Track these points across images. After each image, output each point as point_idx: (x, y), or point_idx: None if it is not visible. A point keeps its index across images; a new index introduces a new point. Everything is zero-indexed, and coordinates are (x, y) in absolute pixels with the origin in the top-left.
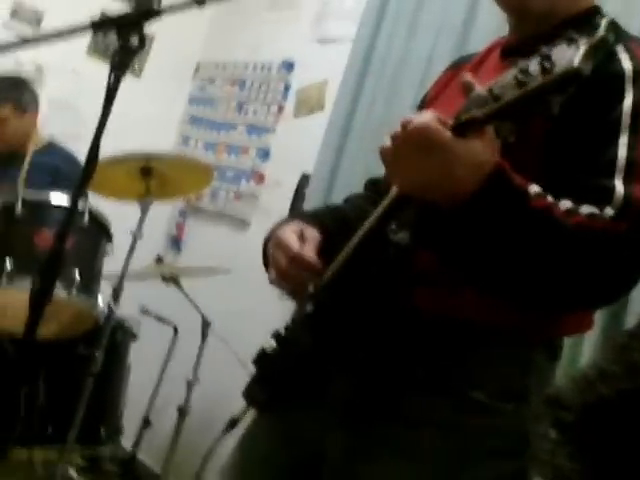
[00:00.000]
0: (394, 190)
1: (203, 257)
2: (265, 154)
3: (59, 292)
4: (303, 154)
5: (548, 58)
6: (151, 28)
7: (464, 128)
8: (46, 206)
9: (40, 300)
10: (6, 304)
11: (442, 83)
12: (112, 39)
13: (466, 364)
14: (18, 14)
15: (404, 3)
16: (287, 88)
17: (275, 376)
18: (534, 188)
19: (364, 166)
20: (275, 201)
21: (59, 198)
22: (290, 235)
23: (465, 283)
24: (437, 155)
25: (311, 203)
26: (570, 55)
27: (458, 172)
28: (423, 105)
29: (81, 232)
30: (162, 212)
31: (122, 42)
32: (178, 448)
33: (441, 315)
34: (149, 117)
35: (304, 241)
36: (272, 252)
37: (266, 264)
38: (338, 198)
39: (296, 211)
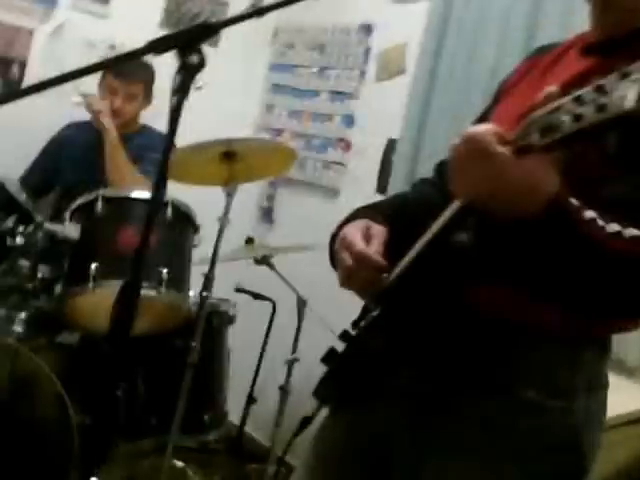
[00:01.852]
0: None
1: (295, 229)
2: (350, 120)
3: (148, 291)
4: (388, 119)
5: (602, 90)
6: None
7: (521, 151)
8: (127, 201)
9: (129, 304)
10: (97, 303)
11: (520, 72)
12: (185, 10)
13: (517, 363)
14: None
15: None
16: (367, 52)
17: (345, 376)
18: (589, 214)
19: (450, 126)
20: (363, 168)
21: (139, 192)
22: (355, 233)
23: (519, 285)
24: (487, 166)
25: (398, 169)
26: (624, 92)
27: (510, 188)
28: (499, 93)
29: (165, 226)
30: (253, 185)
31: (182, 61)
32: (284, 423)
33: (495, 314)
34: (230, 87)
35: (370, 238)
36: (338, 251)
37: (333, 262)
38: (425, 164)
39: (368, 206)
